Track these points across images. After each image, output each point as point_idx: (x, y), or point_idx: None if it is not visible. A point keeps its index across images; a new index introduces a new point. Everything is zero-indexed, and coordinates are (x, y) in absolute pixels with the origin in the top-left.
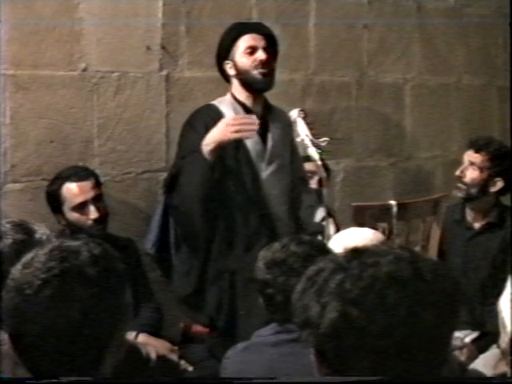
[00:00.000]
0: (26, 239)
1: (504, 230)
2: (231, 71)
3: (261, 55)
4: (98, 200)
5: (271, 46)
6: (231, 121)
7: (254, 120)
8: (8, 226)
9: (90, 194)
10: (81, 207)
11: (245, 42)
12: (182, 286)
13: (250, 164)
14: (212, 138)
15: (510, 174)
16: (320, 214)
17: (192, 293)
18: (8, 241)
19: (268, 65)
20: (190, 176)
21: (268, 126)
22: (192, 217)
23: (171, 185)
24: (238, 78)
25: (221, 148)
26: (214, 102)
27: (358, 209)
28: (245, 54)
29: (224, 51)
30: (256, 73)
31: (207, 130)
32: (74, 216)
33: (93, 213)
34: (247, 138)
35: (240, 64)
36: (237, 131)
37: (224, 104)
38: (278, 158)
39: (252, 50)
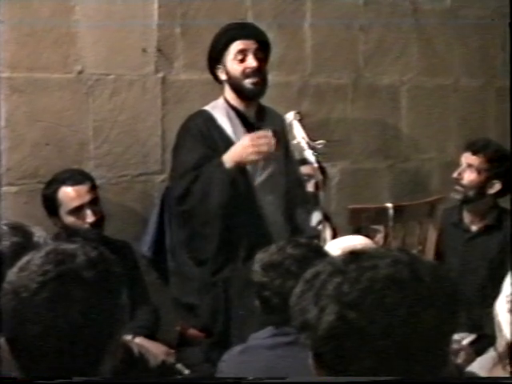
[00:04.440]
0: (23, 242)
1: (502, 232)
2: (222, 76)
3: (251, 62)
4: (94, 203)
5: (263, 49)
6: (249, 142)
7: (269, 137)
8: (5, 228)
9: (87, 198)
10: (77, 211)
11: (235, 46)
12: (178, 289)
13: (244, 171)
14: (231, 158)
15: (507, 176)
16: (316, 217)
17: (188, 296)
18: (6, 243)
19: (259, 72)
20: (209, 186)
21: (261, 130)
22: (206, 226)
23: (184, 195)
24: (229, 83)
25: (240, 167)
26: (207, 108)
27: (354, 211)
28: (235, 60)
29: (216, 55)
30: (247, 82)
31: (205, 140)
32: (70, 219)
33: (89, 216)
34: (265, 157)
35: (231, 70)
36: (255, 153)
37: (217, 110)
38: (272, 162)
39: (243, 56)
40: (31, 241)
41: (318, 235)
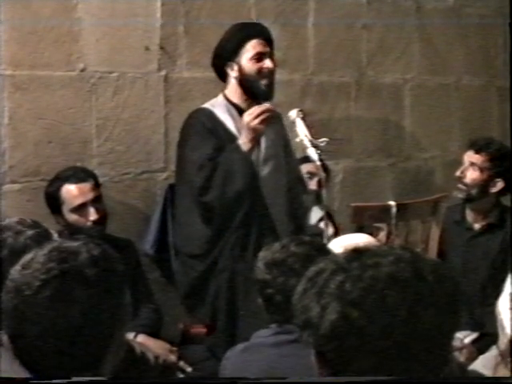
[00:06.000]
0: (45, 234)
1: (504, 231)
2: (233, 73)
3: (269, 64)
4: (97, 201)
5: (272, 52)
6: (250, 117)
7: (268, 107)
8: (29, 220)
9: (90, 196)
10: (80, 209)
11: (253, 47)
12: (183, 284)
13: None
14: (244, 140)
15: (510, 174)
16: (319, 215)
17: (192, 291)
18: (30, 232)
19: (273, 74)
20: (231, 172)
21: None
22: (229, 213)
23: (206, 186)
24: (238, 80)
25: (256, 142)
26: (207, 106)
27: (357, 209)
28: (252, 59)
29: (229, 52)
30: (262, 84)
31: (212, 134)
32: (73, 217)
33: (92, 214)
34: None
35: (246, 69)
36: (261, 121)
37: (218, 107)
38: (272, 159)
39: (259, 57)
40: (51, 235)
41: (320, 233)
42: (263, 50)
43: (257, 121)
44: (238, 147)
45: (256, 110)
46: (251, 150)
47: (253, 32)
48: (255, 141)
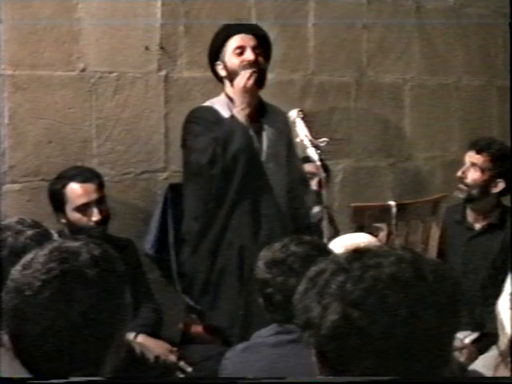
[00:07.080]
0: (46, 234)
1: (504, 231)
2: (222, 72)
3: (249, 55)
4: (100, 202)
5: (262, 46)
6: (245, 79)
7: (253, 69)
8: (29, 220)
9: (94, 196)
10: (83, 208)
11: (234, 42)
12: (188, 286)
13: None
14: (239, 106)
15: (511, 174)
16: (319, 214)
17: (199, 290)
18: (30, 232)
19: (256, 65)
20: (229, 137)
21: (262, 126)
22: (226, 177)
23: (212, 160)
24: (228, 78)
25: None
26: (208, 104)
27: (357, 209)
28: (234, 54)
29: (215, 52)
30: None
31: (214, 126)
32: (75, 216)
33: (95, 215)
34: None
35: (229, 65)
36: (249, 78)
37: (219, 104)
38: (274, 157)
39: (241, 51)
40: (51, 235)
41: (320, 233)
42: (243, 44)
43: (251, 81)
44: (233, 116)
45: (245, 72)
46: (247, 116)
47: (236, 29)
48: (250, 106)
